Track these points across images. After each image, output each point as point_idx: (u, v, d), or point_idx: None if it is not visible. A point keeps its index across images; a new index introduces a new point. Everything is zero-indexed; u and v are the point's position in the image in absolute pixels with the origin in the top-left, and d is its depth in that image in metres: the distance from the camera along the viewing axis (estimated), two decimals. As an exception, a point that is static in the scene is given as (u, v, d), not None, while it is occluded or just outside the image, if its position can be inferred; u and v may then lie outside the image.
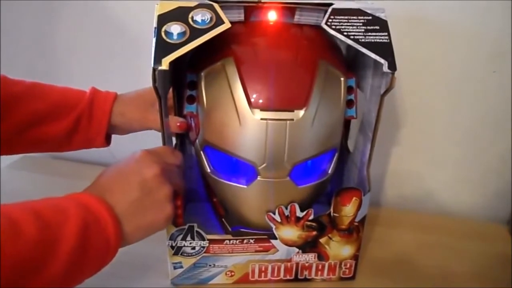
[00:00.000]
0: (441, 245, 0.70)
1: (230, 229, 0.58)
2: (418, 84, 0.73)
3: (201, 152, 0.54)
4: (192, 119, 0.55)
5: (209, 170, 0.54)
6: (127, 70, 0.82)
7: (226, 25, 0.45)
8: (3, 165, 0.88)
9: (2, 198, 0.37)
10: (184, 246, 0.55)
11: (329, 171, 0.55)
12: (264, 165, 0.50)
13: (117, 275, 0.58)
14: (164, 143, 0.51)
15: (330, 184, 0.59)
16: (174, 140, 0.61)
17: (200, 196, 0.63)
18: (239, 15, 0.51)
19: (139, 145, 0.49)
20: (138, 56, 0.67)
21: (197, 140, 0.54)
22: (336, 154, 0.55)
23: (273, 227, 0.54)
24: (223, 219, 0.60)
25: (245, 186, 0.52)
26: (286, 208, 0.53)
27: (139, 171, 0.43)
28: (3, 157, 0.62)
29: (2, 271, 0.32)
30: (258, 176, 0.51)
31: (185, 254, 0.56)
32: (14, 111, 0.54)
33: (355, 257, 0.59)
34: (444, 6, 0.66)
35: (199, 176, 0.61)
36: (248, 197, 0.53)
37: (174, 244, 0.55)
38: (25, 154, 0.90)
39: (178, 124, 0.55)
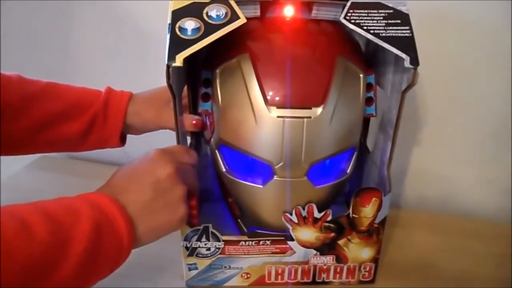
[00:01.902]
0: (463, 248, 0.68)
1: (245, 230, 0.57)
2: (440, 81, 0.71)
3: (216, 151, 0.53)
4: (207, 117, 0.54)
5: (224, 170, 0.53)
6: (143, 69, 0.82)
7: (242, 21, 0.44)
8: (21, 165, 0.90)
9: (21, 198, 0.37)
10: (199, 247, 0.54)
11: (348, 171, 0.53)
12: (281, 164, 0.48)
13: (131, 276, 0.58)
14: (178, 142, 0.50)
15: (348, 184, 0.57)
16: (189, 139, 0.60)
17: (215, 196, 0.63)
18: (255, 11, 0.50)
19: (153, 144, 0.49)
20: (154, 54, 0.67)
21: (212, 139, 0.53)
22: (355, 153, 0.54)
23: (290, 228, 0.53)
24: (238, 220, 0.59)
25: (261, 186, 0.51)
26: (304, 209, 0.51)
27: (153, 171, 0.43)
28: (21, 157, 0.62)
29: (13, 273, 0.31)
30: (275, 176, 0.49)
31: (200, 255, 0.55)
32: (30, 111, 0.55)
33: (375, 260, 0.57)
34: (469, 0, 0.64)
35: (214, 175, 0.60)
36: (264, 197, 0.52)
37: (188, 245, 0.54)
38: (43, 155, 0.91)
39: (193, 122, 0.54)
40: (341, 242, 0.55)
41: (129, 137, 0.62)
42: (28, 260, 0.32)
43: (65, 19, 0.83)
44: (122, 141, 0.61)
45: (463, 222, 0.75)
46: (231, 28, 0.44)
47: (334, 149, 0.50)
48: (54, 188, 0.81)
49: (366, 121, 0.61)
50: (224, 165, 0.53)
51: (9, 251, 0.31)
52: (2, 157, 0.59)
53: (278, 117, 0.46)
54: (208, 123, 0.54)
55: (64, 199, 0.39)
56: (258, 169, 0.50)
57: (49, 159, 0.92)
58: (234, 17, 0.44)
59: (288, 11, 0.51)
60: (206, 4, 0.45)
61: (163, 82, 0.44)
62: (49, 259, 0.33)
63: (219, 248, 0.54)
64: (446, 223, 0.74)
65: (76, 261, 0.35)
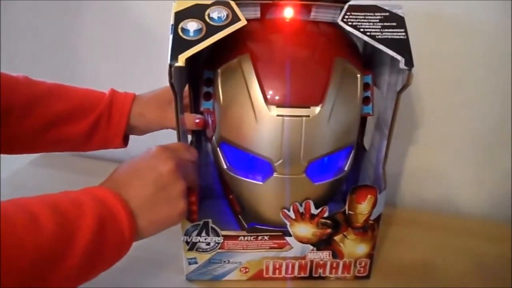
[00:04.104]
0: (458, 247, 0.69)
1: (246, 225, 0.58)
2: (436, 82, 0.72)
3: (218, 149, 0.54)
4: (209, 115, 0.55)
5: (225, 167, 0.54)
6: (148, 69, 0.83)
7: (242, 22, 0.46)
8: (24, 162, 0.91)
9: (23, 194, 0.38)
10: (199, 241, 0.56)
11: (346, 168, 0.55)
12: (280, 161, 0.50)
13: (133, 270, 0.59)
14: (179, 140, 0.51)
15: (345, 182, 0.59)
16: (190, 137, 0.62)
17: (216, 193, 0.64)
18: (255, 13, 0.51)
19: (155, 142, 0.50)
20: (158, 54, 0.67)
21: (213, 137, 0.55)
22: (353, 151, 0.55)
23: (288, 224, 0.54)
24: (239, 216, 0.60)
25: (261, 183, 0.52)
26: (301, 205, 0.53)
27: (154, 167, 0.44)
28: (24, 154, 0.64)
29: (23, 264, 0.32)
30: (274, 173, 0.51)
31: (200, 250, 0.56)
32: (36, 112, 0.56)
33: (370, 256, 0.58)
34: (463, 2, 0.65)
35: (215, 173, 0.61)
36: (264, 193, 0.53)
37: (189, 240, 0.55)
38: (46, 152, 0.92)
39: (197, 121, 0.56)
40: (337, 238, 0.56)
41: (132, 136, 0.63)
42: (36, 251, 0.33)
43: (69, 20, 0.84)
44: (125, 142, 0.62)
45: (459, 221, 0.76)
46: (232, 29, 0.45)
47: (332, 147, 0.51)
48: (56, 184, 0.81)
49: (363, 121, 0.62)
50: (225, 162, 0.54)
51: (18, 242, 0.33)
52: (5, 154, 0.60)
53: (277, 115, 0.48)
54: (209, 121, 0.55)
55: (69, 192, 0.40)
56: (258, 166, 0.51)
57: (51, 156, 0.93)
58: (235, 19, 0.46)
59: (288, 13, 0.52)
60: (208, 6, 0.46)
61: (165, 82, 0.46)
62: (56, 251, 0.35)
63: (218, 243, 0.56)
64: (441, 222, 0.75)
65: (81, 253, 0.36)
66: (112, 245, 0.39)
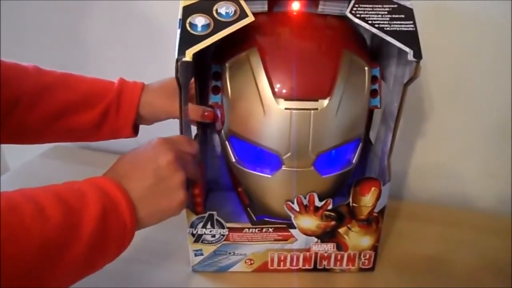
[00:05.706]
0: (465, 241, 0.69)
1: (254, 218, 0.58)
2: (445, 76, 0.72)
3: (226, 142, 0.54)
4: (217, 109, 0.55)
5: (234, 160, 0.55)
6: (155, 61, 0.83)
7: (250, 19, 0.46)
8: (35, 153, 0.92)
9: (34, 185, 0.39)
10: (205, 234, 0.56)
11: (353, 161, 0.55)
12: (289, 154, 0.50)
13: (140, 261, 0.60)
14: (181, 132, 0.51)
15: (352, 175, 0.59)
16: (194, 130, 0.62)
17: (225, 186, 0.64)
18: (263, 6, 0.51)
19: (165, 134, 0.50)
20: (165, 47, 0.68)
21: (222, 130, 0.55)
22: (360, 144, 0.55)
23: (292, 216, 0.54)
24: (248, 209, 0.60)
25: (269, 176, 0.52)
26: (305, 198, 0.53)
27: (155, 158, 0.44)
28: (35, 146, 0.64)
29: (30, 252, 0.33)
30: (283, 166, 0.51)
31: (205, 242, 0.57)
32: (46, 101, 0.56)
33: (374, 248, 0.59)
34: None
35: (223, 165, 0.62)
36: (272, 186, 0.54)
37: (194, 232, 0.56)
38: (56, 144, 0.93)
39: (206, 113, 0.56)
40: (341, 230, 0.56)
41: (142, 126, 0.63)
42: (43, 240, 0.34)
43: (77, 12, 0.85)
44: (135, 131, 0.62)
45: (465, 215, 0.76)
46: (239, 25, 0.45)
47: (340, 140, 0.51)
48: (66, 176, 0.81)
49: (369, 114, 0.62)
50: (233, 155, 0.54)
51: (26, 232, 0.33)
52: (17, 145, 0.61)
53: (285, 109, 0.48)
54: (218, 115, 0.56)
55: (72, 183, 0.40)
56: (267, 159, 0.52)
57: (61, 149, 0.94)
58: (243, 14, 0.46)
59: (295, 6, 0.52)
60: (216, 1, 0.46)
61: (172, 73, 0.46)
62: (62, 240, 0.35)
63: (223, 235, 0.56)
64: (448, 215, 0.75)
65: (86, 241, 0.37)
66: (115, 234, 0.40)
